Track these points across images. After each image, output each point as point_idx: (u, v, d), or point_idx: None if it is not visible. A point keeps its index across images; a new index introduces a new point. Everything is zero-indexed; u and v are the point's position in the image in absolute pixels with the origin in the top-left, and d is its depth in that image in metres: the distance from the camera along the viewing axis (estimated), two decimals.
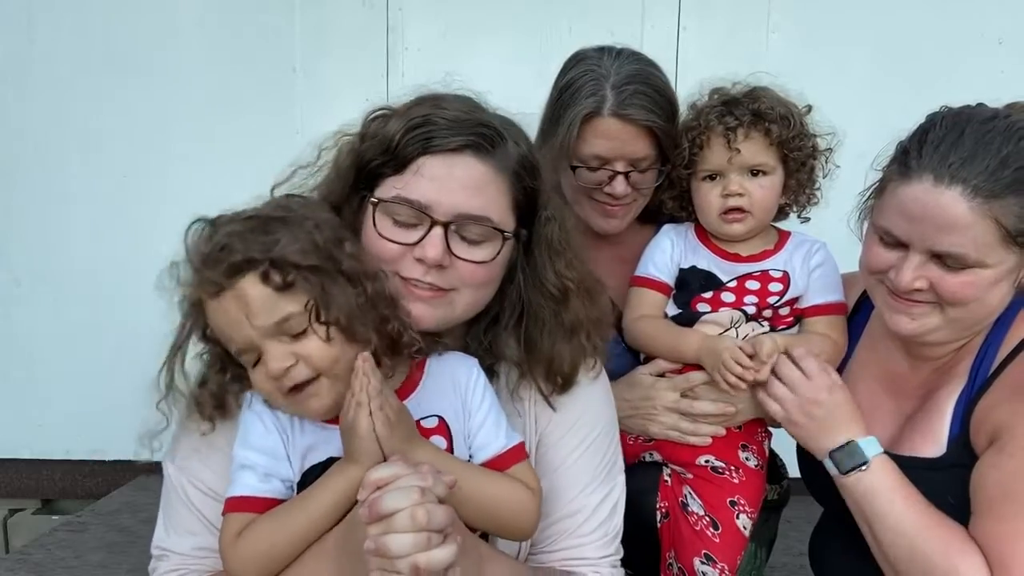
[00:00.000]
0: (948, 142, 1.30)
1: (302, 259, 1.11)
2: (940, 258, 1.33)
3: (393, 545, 0.99)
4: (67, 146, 3.23)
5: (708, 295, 1.65)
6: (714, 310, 1.64)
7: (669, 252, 1.70)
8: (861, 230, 1.51)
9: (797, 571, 2.47)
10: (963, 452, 1.39)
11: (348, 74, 3.16)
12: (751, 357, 1.54)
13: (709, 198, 1.63)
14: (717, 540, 1.59)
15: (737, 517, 1.61)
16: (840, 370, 1.61)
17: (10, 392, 3.34)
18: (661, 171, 1.75)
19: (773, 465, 1.85)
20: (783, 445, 1.83)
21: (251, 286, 1.10)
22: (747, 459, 1.67)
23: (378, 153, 1.25)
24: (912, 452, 1.45)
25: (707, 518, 1.61)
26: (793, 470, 1.88)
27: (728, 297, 1.64)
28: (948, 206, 1.28)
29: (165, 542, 1.33)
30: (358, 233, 1.28)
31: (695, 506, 1.63)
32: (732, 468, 1.64)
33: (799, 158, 1.62)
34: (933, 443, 1.43)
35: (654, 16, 3.07)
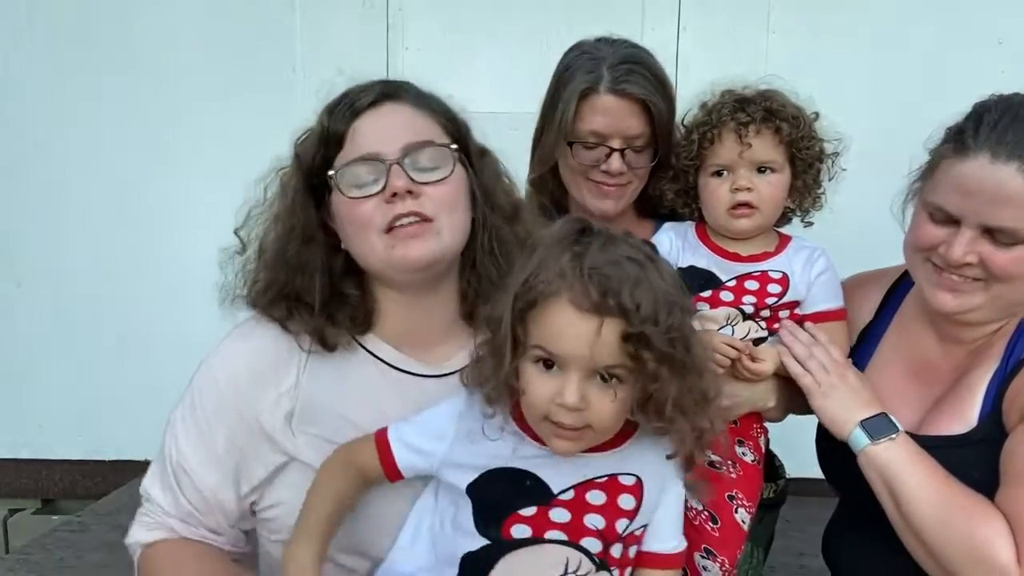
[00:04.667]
0: (1005, 122, 1.35)
1: (662, 344, 1.06)
2: (991, 234, 1.35)
3: None
4: (67, 146, 3.23)
5: (707, 294, 1.65)
6: (712, 308, 1.65)
7: (667, 250, 1.71)
8: (904, 215, 1.52)
9: (797, 571, 2.47)
10: (993, 429, 1.40)
11: (348, 74, 3.16)
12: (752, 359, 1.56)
13: (718, 193, 1.63)
14: (716, 534, 1.59)
15: (736, 511, 1.61)
16: (869, 355, 1.63)
17: (10, 392, 3.35)
18: (656, 152, 1.77)
19: (771, 464, 1.85)
20: (781, 445, 1.83)
21: (610, 329, 1.05)
22: (743, 454, 1.67)
23: (316, 147, 1.35)
24: (938, 432, 1.46)
25: (705, 513, 1.61)
26: (792, 470, 1.88)
27: (727, 296, 1.65)
28: (1005, 181, 1.31)
29: (149, 488, 1.41)
30: (333, 237, 1.35)
31: (693, 501, 1.63)
32: (729, 463, 1.64)
33: (807, 159, 1.63)
34: (961, 421, 1.44)
35: (654, 16, 3.07)
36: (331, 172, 1.32)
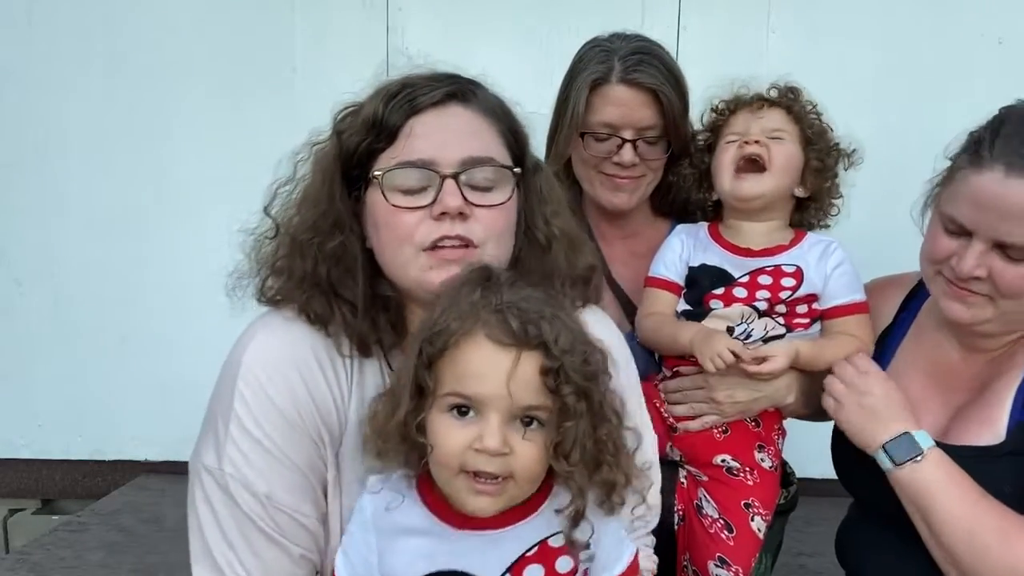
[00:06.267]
0: (1022, 135, 1.32)
1: (578, 379, 1.02)
2: (1003, 248, 1.33)
3: None
4: (67, 146, 3.23)
5: (720, 291, 1.65)
6: (726, 306, 1.64)
7: (679, 251, 1.73)
8: (923, 221, 1.51)
9: (797, 571, 2.48)
10: (1023, 441, 1.38)
11: (348, 74, 3.15)
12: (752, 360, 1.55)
13: (728, 152, 1.65)
14: (731, 543, 1.58)
15: (752, 520, 1.60)
16: (887, 360, 1.61)
17: (10, 392, 3.34)
18: (669, 145, 1.78)
19: (782, 471, 1.84)
20: (791, 449, 1.82)
21: (529, 363, 1.00)
22: (762, 460, 1.66)
23: (363, 134, 1.21)
24: (966, 442, 1.43)
25: (721, 521, 1.60)
26: (800, 474, 1.88)
27: (740, 292, 1.64)
28: (1018, 196, 1.29)
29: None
30: (362, 229, 1.23)
31: (709, 509, 1.63)
32: (747, 469, 1.64)
33: (820, 145, 1.66)
34: (990, 431, 1.42)
35: (654, 16, 3.07)
36: (377, 172, 1.19)
